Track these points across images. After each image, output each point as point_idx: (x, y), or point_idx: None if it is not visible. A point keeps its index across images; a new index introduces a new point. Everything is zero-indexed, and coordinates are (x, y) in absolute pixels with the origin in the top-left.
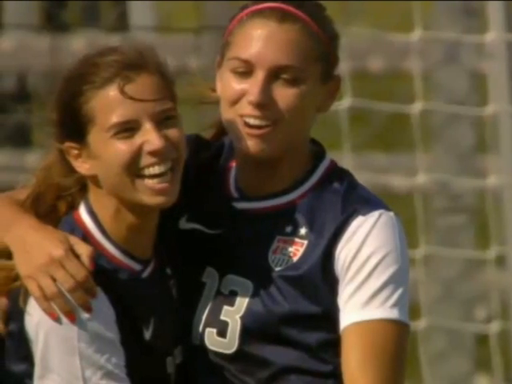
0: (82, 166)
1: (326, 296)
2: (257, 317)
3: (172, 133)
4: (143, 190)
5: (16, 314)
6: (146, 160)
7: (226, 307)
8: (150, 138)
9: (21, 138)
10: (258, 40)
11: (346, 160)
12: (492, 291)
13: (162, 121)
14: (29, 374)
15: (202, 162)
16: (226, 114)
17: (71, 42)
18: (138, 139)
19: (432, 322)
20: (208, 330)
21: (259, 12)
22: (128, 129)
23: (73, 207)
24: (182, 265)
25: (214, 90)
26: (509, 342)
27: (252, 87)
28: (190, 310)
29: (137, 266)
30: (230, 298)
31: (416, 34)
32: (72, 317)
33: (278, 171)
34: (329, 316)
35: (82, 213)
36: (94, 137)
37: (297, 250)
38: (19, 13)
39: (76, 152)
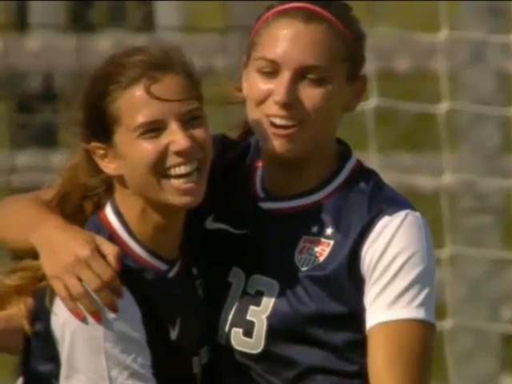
0: (108, 166)
1: (351, 296)
2: (283, 317)
3: (198, 133)
4: (169, 189)
5: (42, 314)
6: (172, 160)
7: (252, 307)
8: (176, 138)
9: (47, 138)
10: (284, 40)
11: (372, 160)
12: None
13: (188, 121)
14: (55, 374)
15: (228, 161)
16: (252, 113)
17: (97, 41)
18: (164, 139)
19: (458, 322)
20: (234, 329)
21: (285, 12)
22: (154, 129)
23: (99, 207)
24: (208, 265)
25: (240, 89)
26: None
27: (278, 87)
28: (216, 310)
29: (163, 266)
30: (256, 297)
31: (442, 34)
32: (98, 317)
33: (304, 171)
34: (355, 316)
35: (108, 213)
36: (120, 137)
37: (323, 250)
38: (45, 13)
39: (102, 152)
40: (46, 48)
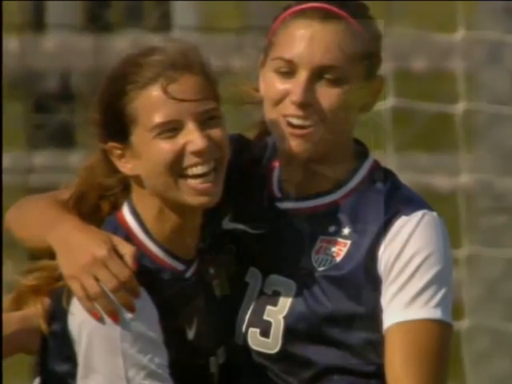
0: (125, 166)
1: (368, 296)
2: (300, 317)
3: (215, 133)
4: (186, 190)
5: (59, 314)
6: (189, 160)
7: (269, 307)
8: (193, 138)
9: (64, 138)
10: (301, 40)
11: (389, 160)
12: None
13: (205, 121)
14: (72, 374)
15: (245, 162)
16: (269, 114)
17: (114, 41)
18: (181, 139)
19: (475, 322)
20: (251, 329)
21: (302, 12)
22: (171, 129)
23: (116, 207)
24: (224, 265)
25: (257, 89)
26: None
27: (295, 87)
28: (233, 310)
29: (180, 266)
30: (273, 297)
31: (459, 34)
32: (115, 317)
33: (320, 171)
34: (372, 316)
35: (125, 213)
36: (137, 137)
37: (340, 250)
38: (62, 13)
39: (119, 152)
40: (63, 48)
